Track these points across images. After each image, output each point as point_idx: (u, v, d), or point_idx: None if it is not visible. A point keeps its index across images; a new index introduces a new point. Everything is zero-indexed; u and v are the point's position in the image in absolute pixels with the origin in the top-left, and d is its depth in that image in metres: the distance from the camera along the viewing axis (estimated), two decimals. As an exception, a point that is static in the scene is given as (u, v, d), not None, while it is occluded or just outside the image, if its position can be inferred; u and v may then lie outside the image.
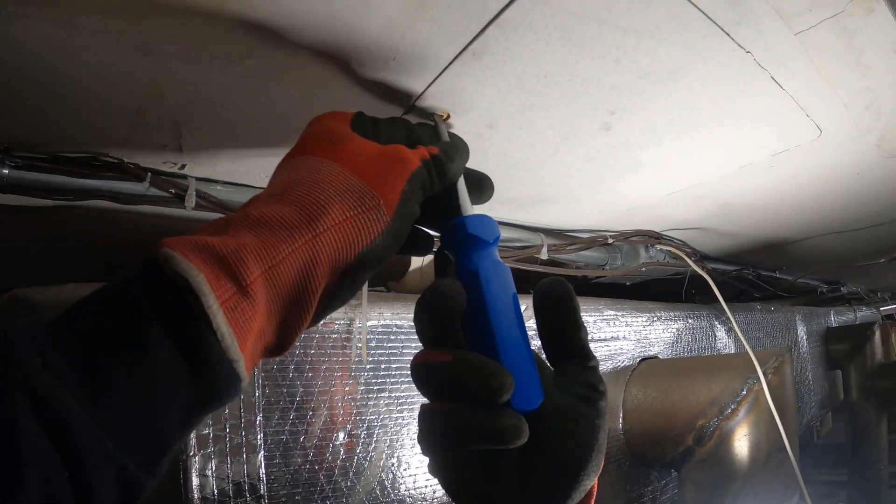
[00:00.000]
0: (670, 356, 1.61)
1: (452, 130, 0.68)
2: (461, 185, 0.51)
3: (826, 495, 3.08)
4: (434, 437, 0.41)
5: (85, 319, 0.34)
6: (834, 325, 2.86)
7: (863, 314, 3.31)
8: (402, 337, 0.99)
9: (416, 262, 1.11)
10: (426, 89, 0.62)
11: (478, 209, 0.50)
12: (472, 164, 0.55)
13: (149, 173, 0.74)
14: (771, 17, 0.54)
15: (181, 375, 0.34)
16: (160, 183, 0.74)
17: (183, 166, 0.77)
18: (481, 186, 0.54)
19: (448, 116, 0.66)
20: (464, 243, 0.46)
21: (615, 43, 0.56)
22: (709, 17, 0.53)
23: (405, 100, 0.64)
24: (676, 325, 1.66)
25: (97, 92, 0.57)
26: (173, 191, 0.76)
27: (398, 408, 0.98)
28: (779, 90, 0.69)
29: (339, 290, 0.43)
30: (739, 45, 0.58)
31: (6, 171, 0.65)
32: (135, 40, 0.50)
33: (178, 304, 0.34)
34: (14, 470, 0.28)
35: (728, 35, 0.56)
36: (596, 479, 0.42)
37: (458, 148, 0.52)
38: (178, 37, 0.50)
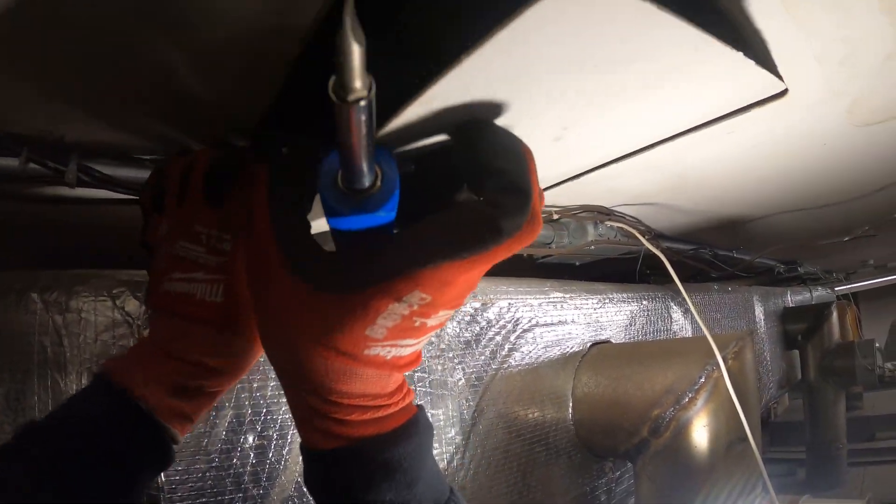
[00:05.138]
0: (624, 340, 1.53)
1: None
2: None
3: (784, 473, 3.11)
4: None
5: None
6: (790, 304, 2.90)
7: (818, 294, 3.38)
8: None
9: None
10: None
11: None
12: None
13: (24, 147, 0.61)
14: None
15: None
16: (38, 157, 0.63)
17: (62, 136, 0.65)
18: None
19: None
20: None
21: None
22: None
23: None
24: (630, 308, 1.58)
25: None
26: (52, 165, 0.64)
27: (315, 407, 0.88)
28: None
29: None
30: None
31: None
32: None
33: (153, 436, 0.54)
34: None
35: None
36: None
37: None
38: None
